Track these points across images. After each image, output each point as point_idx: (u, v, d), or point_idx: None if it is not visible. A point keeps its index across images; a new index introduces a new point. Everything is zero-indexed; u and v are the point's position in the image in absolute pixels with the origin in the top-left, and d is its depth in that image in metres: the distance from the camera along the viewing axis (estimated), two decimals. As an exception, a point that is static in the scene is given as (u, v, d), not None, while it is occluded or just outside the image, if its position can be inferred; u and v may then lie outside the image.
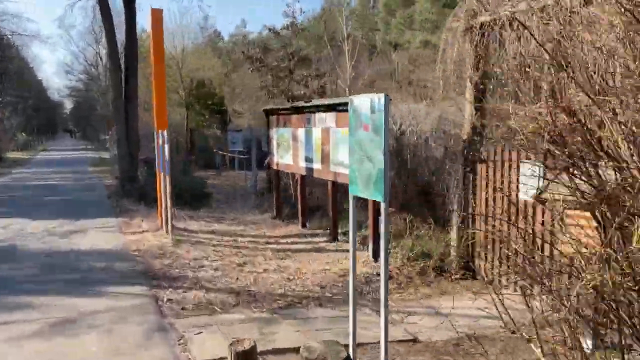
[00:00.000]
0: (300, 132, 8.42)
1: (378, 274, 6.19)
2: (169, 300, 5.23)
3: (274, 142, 9.55)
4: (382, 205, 3.07)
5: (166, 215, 8.00)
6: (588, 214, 4.04)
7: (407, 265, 6.45)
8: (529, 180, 5.61)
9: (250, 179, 17.02)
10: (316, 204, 9.92)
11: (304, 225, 8.82)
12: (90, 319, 4.71)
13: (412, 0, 57.71)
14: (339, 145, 7.24)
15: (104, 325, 4.54)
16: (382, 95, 2.93)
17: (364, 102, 3.12)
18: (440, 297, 5.70)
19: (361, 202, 9.13)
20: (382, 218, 3.10)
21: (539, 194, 4.35)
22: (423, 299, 5.60)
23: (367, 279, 6.08)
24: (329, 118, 7.46)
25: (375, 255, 6.66)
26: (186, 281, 5.86)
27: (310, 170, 8.18)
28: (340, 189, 9.58)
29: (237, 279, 5.98)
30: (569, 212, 4.32)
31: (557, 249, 4.05)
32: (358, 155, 3.21)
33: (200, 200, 11.83)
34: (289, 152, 8.93)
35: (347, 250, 7.32)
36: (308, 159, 8.21)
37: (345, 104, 6.99)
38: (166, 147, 7.35)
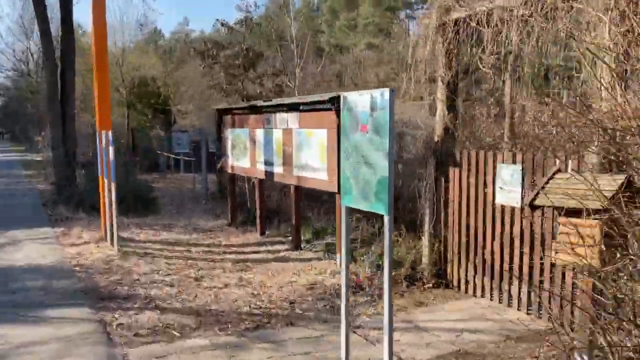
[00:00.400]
0: (259, 133, 7.89)
1: (350, 286, 5.78)
2: (119, 325, 4.58)
3: (229, 144, 8.95)
4: (386, 219, 2.64)
5: (111, 225, 7.25)
6: (592, 222, 3.79)
7: (378, 275, 6.07)
8: (506, 183, 5.39)
9: (200, 182, 16.26)
10: (274, 209, 9.40)
11: (262, 233, 8.28)
12: (25, 354, 4.00)
13: (355, 4, 58.17)
14: (303, 147, 6.78)
15: (42, 361, 3.86)
16: (385, 91, 2.50)
17: (361, 100, 2.68)
18: (417, 309, 5.36)
19: (326, 207, 8.74)
20: (385, 235, 2.67)
21: (533, 199, 4.07)
22: (399, 312, 5.23)
23: (337, 292, 5.65)
24: (292, 118, 6.98)
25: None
26: (137, 300, 5.20)
27: (270, 174, 7.66)
28: (304, 194, 9.14)
29: (196, 296, 5.39)
30: (562, 219, 4.06)
31: (545, 257, 3.79)
32: (353, 161, 2.77)
33: (146, 206, 11.02)
34: (246, 154, 8.37)
35: (312, 259, 6.88)
36: (268, 162, 7.69)
37: (310, 103, 6.55)
38: (111, 149, 6.62)
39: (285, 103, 7.10)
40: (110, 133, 6.61)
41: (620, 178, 3.66)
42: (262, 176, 7.95)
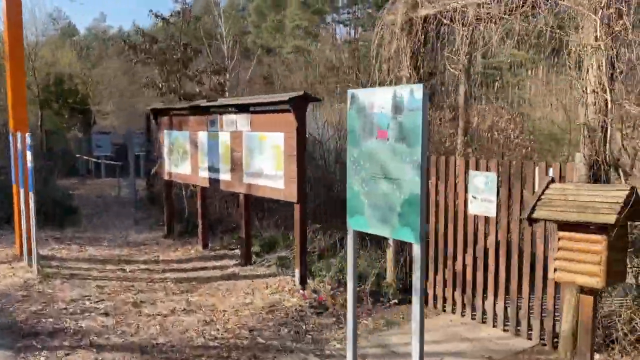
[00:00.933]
0: (202, 137, 7.14)
1: (312, 306, 5.24)
2: (46, 370, 3.75)
3: (165, 148, 8.10)
4: (417, 249, 2.12)
5: (28, 241, 6.22)
6: (597, 236, 3.48)
7: (340, 292, 5.56)
8: (480, 192, 5.07)
9: (126, 188, 15.02)
10: (215, 218, 8.66)
11: (205, 246, 7.53)
12: None
13: (282, 5, 57.79)
14: (255, 153, 6.15)
15: None
16: (416, 87, 1.99)
17: (379, 98, 2.15)
18: (388, 330, 4.90)
19: (276, 216, 8.12)
20: (416, 265, 2.16)
21: (531, 212, 3.74)
22: (370, 334, 4.76)
23: (300, 314, 5.08)
24: (241, 120, 6.32)
25: (303, 282, 5.68)
26: (67, 336, 4.35)
27: (215, 181, 6.94)
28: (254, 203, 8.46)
29: (138, 327, 4.60)
30: (563, 234, 3.75)
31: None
32: (367, 174, 2.23)
33: (66, 216, 9.86)
34: (186, 159, 7.58)
35: (266, 276, 6.25)
36: (213, 168, 6.97)
37: (266, 103, 5.95)
38: (29, 154, 5.63)
39: (234, 104, 6.43)
40: (28, 135, 5.62)
41: (624, 189, 3.40)
42: (206, 184, 7.21)
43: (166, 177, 8.22)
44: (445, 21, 4.91)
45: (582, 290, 3.59)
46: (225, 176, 6.73)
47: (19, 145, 6.03)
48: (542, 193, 3.69)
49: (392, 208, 2.09)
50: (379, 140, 2.14)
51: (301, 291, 5.59)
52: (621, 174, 4.05)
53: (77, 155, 18.51)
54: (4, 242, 7.66)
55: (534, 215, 3.58)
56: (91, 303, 5.17)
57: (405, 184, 2.01)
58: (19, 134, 6.03)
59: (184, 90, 8.41)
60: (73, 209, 10.67)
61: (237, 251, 7.45)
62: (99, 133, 21.39)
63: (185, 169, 7.60)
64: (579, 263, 3.45)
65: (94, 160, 18.64)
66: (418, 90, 1.98)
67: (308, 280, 5.74)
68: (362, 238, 6.49)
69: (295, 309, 5.15)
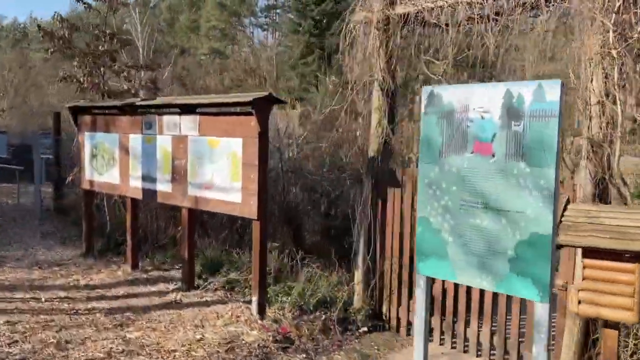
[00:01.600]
0: (135, 140, 6.18)
1: (276, 340, 4.54)
2: None
3: (86, 153, 6.98)
4: (542, 309, 1.56)
5: None
6: (629, 265, 3.14)
7: (305, 320, 4.92)
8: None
9: (26, 196, 13.25)
10: (142, 234, 7.62)
11: (135, 266, 6.52)
12: None
13: (198, 5, 55.94)
14: (204, 161, 5.34)
15: None
16: (553, 84, 1.43)
17: (481, 98, 1.57)
18: (365, 364, 4.35)
19: (218, 232, 7.25)
20: (539, 328, 1.59)
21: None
22: (348, 372, 4.17)
23: (264, 351, 4.36)
24: (187, 123, 5.49)
25: (262, 311, 4.96)
26: (-31, 398, 3.32)
27: (151, 192, 6.01)
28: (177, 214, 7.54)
29: (68, 379, 3.66)
30: (589, 262, 3.39)
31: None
32: (452, 202, 1.65)
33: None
34: (112, 166, 6.54)
35: (214, 303, 5.42)
36: (148, 178, 6.03)
37: (221, 104, 5.19)
38: None
39: (178, 103, 5.57)
40: None
41: (653, 211, 3.10)
42: (138, 195, 6.24)
43: (86, 186, 7.09)
44: (432, 20, 4.46)
45: (606, 324, 3.24)
46: (163, 187, 5.83)
47: None
48: (562, 215, 3.31)
49: (499, 251, 1.52)
50: (477, 156, 1.57)
51: (259, 321, 4.87)
52: (627, 192, 3.80)
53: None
54: None
55: (559, 241, 3.18)
56: (2, 347, 4.09)
57: (524, 219, 1.46)
58: None
59: (108, 87, 7.33)
60: (-37, 220, 9.08)
61: (174, 272, 6.54)
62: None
63: (112, 178, 6.56)
64: (608, 295, 3.09)
65: (-14, 163, 16.42)
66: (552, 88, 1.42)
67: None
68: (323, 257, 5.89)
69: (258, 345, 4.43)
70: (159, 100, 5.80)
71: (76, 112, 7.07)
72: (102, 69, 7.13)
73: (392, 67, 5.01)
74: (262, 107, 4.73)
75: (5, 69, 29.02)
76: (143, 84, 7.59)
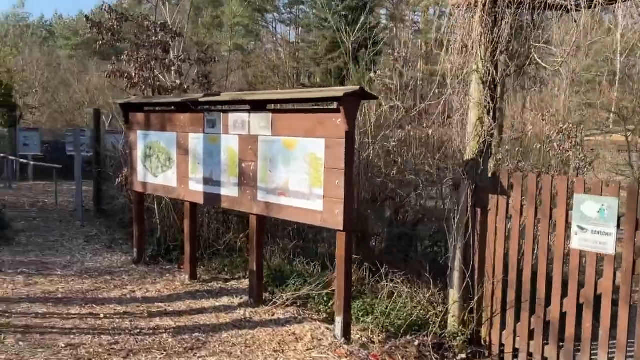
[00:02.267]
0: (195, 140, 5.67)
1: (370, 369, 3.98)
2: None
3: (138, 153, 6.51)
4: None
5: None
6: None
7: (396, 346, 4.34)
8: (590, 222, 4.00)
9: (63, 195, 12.98)
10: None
11: (193, 276, 6.03)
12: None
13: (220, 2, 55.81)
14: (276, 164, 4.80)
15: None
16: None
17: None
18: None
19: (279, 239, 6.73)
20: None
21: None
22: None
23: (361, 382, 3.80)
24: (257, 121, 4.95)
25: (347, 333, 4.40)
26: None
27: (213, 197, 5.50)
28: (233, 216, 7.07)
29: (149, 421, 3.15)
30: None
31: None
32: None
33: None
34: (169, 168, 6.05)
35: (288, 322, 4.88)
36: (210, 181, 5.52)
37: (303, 100, 4.65)
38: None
39: (250, 99, 5.03)
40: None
41: None
42: (198, 200, 5.74)
43: (138, 189, 6.62)
44: (556, 1, 3.82)
45: None
46: (229, 191, 5.31)
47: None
48: None
49: None
50: None
51: (346, 346, 4.31)
52: None
53: (1, 155, 15.99)
54: None
55: None
56: (66, 377, 3.62)
57: None
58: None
59: (159, 81, 6.84)
60: (4, 222, 8.71)
61: (233, 283, 6.04)
62: (26, 129, 18.86)
63: (168, 180, 6.07)
64: None
65: (25, 161, 16.33)
66: None
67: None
68: (407, 273, 5.30)
69: (352, 375, 3.87)
70: (227, 96, 5.27)
71: (127, 109, 6.60)
72: (152, 62, 6.65)
73: (496, 56, 4.39)
74: (350, 103, 4.16)
75: (33, 67, 29.05)
76: (195, 78, 7.09)
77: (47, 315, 4.70)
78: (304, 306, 5.18)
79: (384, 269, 5.01)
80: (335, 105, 4.38)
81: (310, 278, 5.62)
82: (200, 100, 5.33)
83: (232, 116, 5.23)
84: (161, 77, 7.02)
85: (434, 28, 4.91)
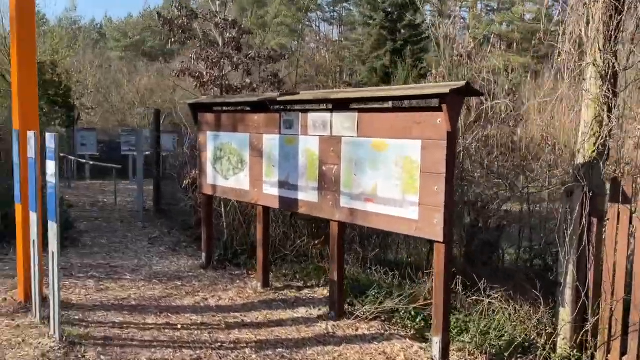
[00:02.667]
0: (270, 142, 5.39)
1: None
2: None
3: (208, 154, 6.30)
4: None
5: (39, 283, 4.37)
6: None
7: (500, 368, 3.92)
8: None
9: (122, 193, 13.09)
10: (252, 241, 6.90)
11: (266, 284, 5.77)
12: None
13: (264, 2, 56.04)
14: (363, 167, 4.45)
15: None
16: None
17: None
18: None
19: (352, 247, 6.39)
20: None
21: None
22: None
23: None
24: (341, 121, 4.61)
25: (446, 356, 4.00)
26: None
27: (290, 201, 5.20)
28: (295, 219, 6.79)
29: None
30: None
31: None
32: None
33: (62, 233, 7.93)
34: (241, 170, 5.81)
35: (375, 338, 4.50)
36: (286, 185, 5.22)
37: (398, 98, 4.28)
38: (51, 164, 3.79)
39: (334, 98, 4.70)
40: (52, 136, 3.77)
41: None
42: (273, 204, 5.46)
43: (207, 191, 6.41)
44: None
45: None
46: (307, 196, 5.00)
47: (31, 149, 4.17)
48: None
49: None
50: None
51: (446, 368, 3.92)
52: None
53: (62, 155, 16.37)
54: (-6, 275, 5.77)
55: None
56: (153, 397, 3.38)
57: None
58: (30, 134, 4.16)
59: (228, 80, 6.61)
60: (69, 222, 8.73)
61: (307, 292, 5.74)
62: (84, 129, 19.30)
63: (240, 183, 5.82)
64: None
65: (84, 160, 16.68)
66: None
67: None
68: (467, 277, 4.85)
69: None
70: (308, 94, 4.96)
71: (196, 109, 6.40)
72: (222, 61, 6.42)
73: (615, 46, 3.89)
74: (454, 101, 3.76)
75: (86, 68, 29.81)
76: (264, 77, 6.84)
77: (124, 326, 4.51)
78: (389, 321, 4.81)
79: (482, 282, 4.57)
80: (427, 102, 3.99)
81: (390, 289, 5.25)
82: (278, 99, 5.03)
83: (311, 116, 4.92)
84: (228, 76, 6.78)
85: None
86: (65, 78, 19.63)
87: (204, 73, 6.34)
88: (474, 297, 4.76)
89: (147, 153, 16.00)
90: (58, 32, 23.48)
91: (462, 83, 3.68)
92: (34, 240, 4.29)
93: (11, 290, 5.22)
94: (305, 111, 5.00)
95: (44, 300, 4.50)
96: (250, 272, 6.41)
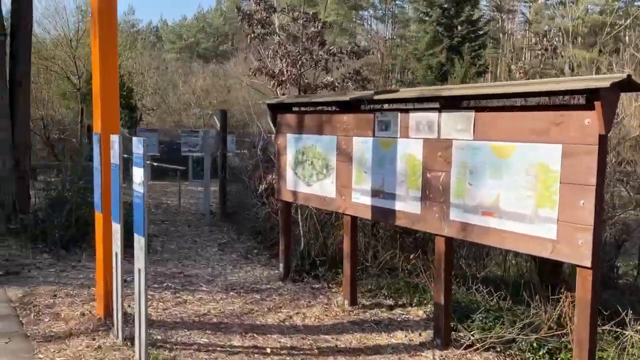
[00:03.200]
0: (362, 145, 4.87)
1: None
2: None
3: (288, 158, 5.85)
4: None
5: (121, 301, 4.02)
6: None
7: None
8: None
9: (187, 195, 12.94)
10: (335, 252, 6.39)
11: (354, 301, 5.25)
12: None
13: (314, 1, 55.71)
14: (482, 175, 3.84)
15: None
16: None
17: None
18: None
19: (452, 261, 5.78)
20: None
21: None
22: None
23: None
24: (452, 121, 4.02)
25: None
26: None
27: (385, 212, 4.65)
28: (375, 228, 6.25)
29: None
30: None
31: None
32: None
33: (129, 237, 7.71)
34: (326, 176, 5.31)
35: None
36: (381, 193, 4.68)
37: (535, 94, 3.66)
38: (139, 172, 3.42)
39: (446, 95, 4.12)
40: (141, 141, 3.39)
41: None
42: (364, 214, 4.93)
43: (287, 198, 5.96)
44: None
45: None
46: (407, 206, 4.44)
47: (114, 154, 3.82)
48: None
49: None
50: None
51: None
52: None
53: (125, 156, 16.53)
54: (71, 282, 5.53)
55: None
56: None
57: None
58: (115, 139, 3.81)
59: (307, 79, 6.14)
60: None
61: (400, 311, 5.17)
62: (145, 130, 19.47)
63: (325, 190, 5.33)
64: None
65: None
66: None
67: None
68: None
69: None
70: (412, 92, 4.40)
71: (276, 109, 5.96)
72: (303, 57, 5.95)
73: None
74: (611, 97, 3.11)
75: (145, 70, 30.34)
76: (345, 74, 6.33)
77: (210, 349, 4.10)
78: (504, 352, 4.17)
79: (625, 311, 3.87)
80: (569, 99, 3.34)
81: (497, 312, 4.62)
82: (375, 97, 4.50)
83: (414, 116, 4.35)
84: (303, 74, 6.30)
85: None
86: (127, 79, 19.89)
87: (284, 70, 5.88)
88: (607, 327, 4.07)
89: (200, 154, 15.93)
90: (120, 34, 23.93)
91: (623, 75, 3.02)
92: (116, 253, 3.95)
93: (88, 303, 4.93)
94: (406, 111, 4.44)
95: (125, 315, 4.15)
96: (331, 286, 5.92)
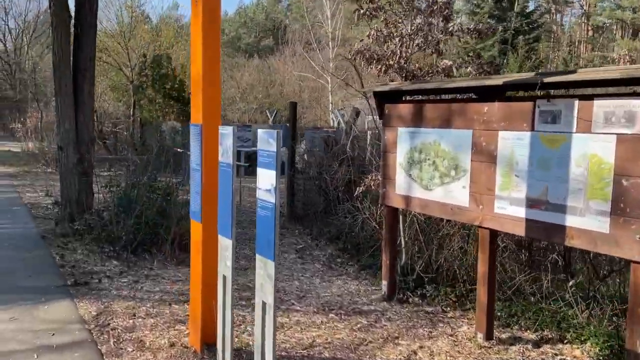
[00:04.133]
0: (511, 141, 3.87)
1: None
2: None
3: (398, 156, 4.90)
4: None
5: (230, 335, 3.18)
6: None
7: None
8: None
9: (246, 192, 12.09)
10: (448, 270, 5.41)
11: (490, 336, 4.26)
12: None
13: (349, -3, 54.75)
14: None
15: None
16: None
17: None
18: None
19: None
20: None
21: None
22: None
23: None
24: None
25: None
26: None
27: (549, 229, 3.64)
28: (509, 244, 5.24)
29: None
30: None
31: None
32: None
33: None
34: (454, 179, 4.34)
35: None
36: (542, 203, 3.68)
37: None
38: (271, 175, 2.55)
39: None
40: (274, 134, 2.50)
41: None
42: (515, 229, 3.94)
43: (395, 204, 5.02)
44: None
45: None
46: (585, 223, 3.42)
47: (225, 151, 2.96)
48: None
49: None
50: None
51: None
52: None
53: (180, 150, 15.91)
54: (155, 299, 4.75)
55: None
56: None
57: None
58: (228, 131, 2.95)
59: (408, 66, 5.16)
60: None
61: (550, 349, 4.16)
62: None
63: (454, 197, 4.36)
64: None
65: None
66: None
67: None
68: None
69: None
70: (603, 72, 3.36)
71: (383, 99, 5.02)
72: (416, 37, 4.98)
73: None
74: None
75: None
76: (465, 58, 5.34)
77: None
78: None
79: None
80: None
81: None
82: (545, 80, 3.49)
83: (600, 104, 3.33)
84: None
85: None
86: (180, 72, 19.37)
87: (397, 51, 4.92)
88: None
89: (248, 150, 15.13)
90: (172, 27, 23.49)
91: None
92: (224, 276, 3.11)
93: (173, 327, 4.12)
94: (589, 97, 3.42)
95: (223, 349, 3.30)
96: (445, 310, 4.96)
